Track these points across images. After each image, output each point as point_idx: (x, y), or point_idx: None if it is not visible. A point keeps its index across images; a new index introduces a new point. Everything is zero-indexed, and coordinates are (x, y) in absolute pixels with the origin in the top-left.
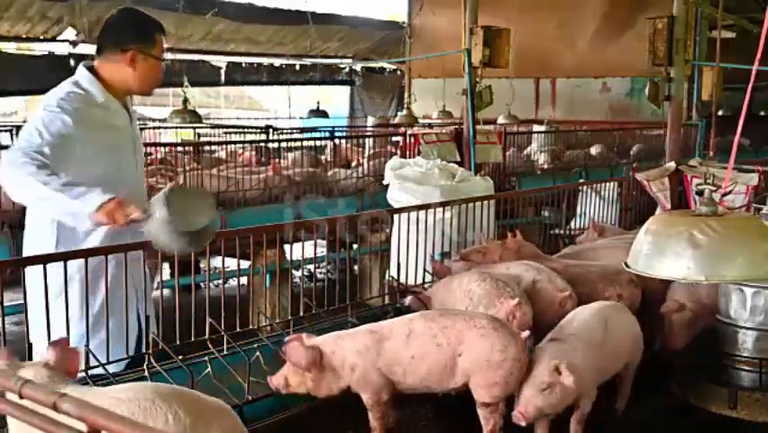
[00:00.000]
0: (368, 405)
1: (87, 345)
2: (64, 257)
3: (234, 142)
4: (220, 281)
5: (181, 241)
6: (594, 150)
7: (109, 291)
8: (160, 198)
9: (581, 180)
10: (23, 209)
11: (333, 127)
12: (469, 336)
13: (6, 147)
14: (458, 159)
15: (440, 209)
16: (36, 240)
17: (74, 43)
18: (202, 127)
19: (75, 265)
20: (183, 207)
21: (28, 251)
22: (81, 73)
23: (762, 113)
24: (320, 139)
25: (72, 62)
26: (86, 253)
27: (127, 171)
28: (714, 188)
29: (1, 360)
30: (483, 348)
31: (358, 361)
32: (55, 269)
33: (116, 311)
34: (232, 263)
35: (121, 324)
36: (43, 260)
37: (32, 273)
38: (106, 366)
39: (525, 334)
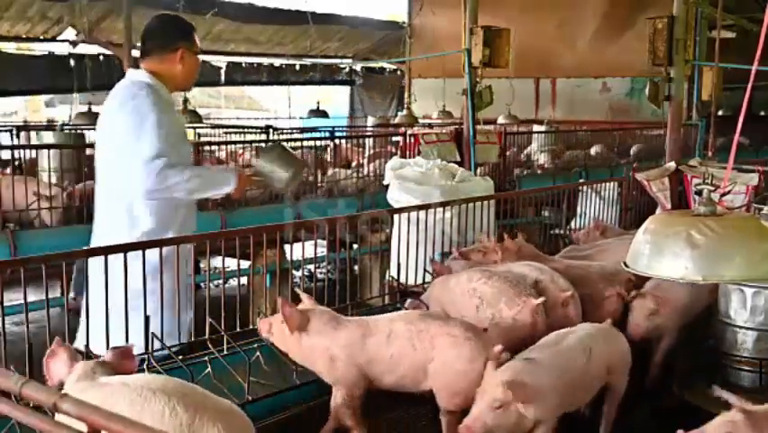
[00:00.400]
0: (340, 401)
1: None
2: (65, 257)
3: (234, 143)
4: (220, 281)
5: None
6: (593, 150)
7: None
8: (274, 163)
9: (581, 180)
10: (23, 209)
11: (334, 127)
12: (440, 343)
13: (6, 147)
14: (458, 159)
15: (440, 209)
16: (129, 228)
17: (74, 43)
18: (202, 127)
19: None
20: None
21: (109, 239)
22: (142, 74)
23: (762, 113)
24: (320, 139)
25: (72, 62)
26: (86, 254)
27: (187, 158)
28: (713, 189)
29: (63, 353)
30: (451, 356)
31: (341, 354)
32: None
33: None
34: (232, 263)
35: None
36: (44, 260)
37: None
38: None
39: (499, 348)
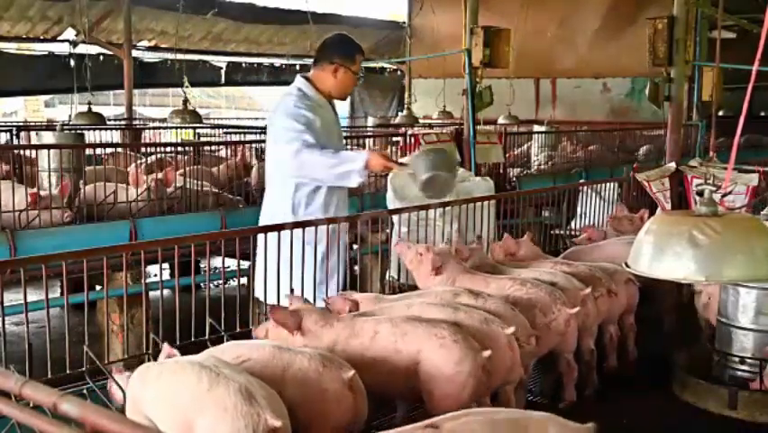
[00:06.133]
0: None
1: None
2: (65, 257)
3: (235, 143)
4: (220, 281)
5: (427, 193)
6: (591, 148)
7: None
8: (422, 161)
9: (581, 180)
10: (22, 210)
11: None
12: (427, 345)
13: (6, 147)
14: (458, 159)
15: (440, 209)
16: (277, 210)
17: (74, 43)
18: (202, 127)
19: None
20: (436, 168)
21: (267, 219)
22: (300, 81)
23: (762, 113)
24: None
25: (72, 62)
26: (86, 254)
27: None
28: (714, 189)
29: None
30: (439, 359)
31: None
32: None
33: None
34: (232, 263)
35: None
36: (44, 260)
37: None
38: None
39: (488, 352)
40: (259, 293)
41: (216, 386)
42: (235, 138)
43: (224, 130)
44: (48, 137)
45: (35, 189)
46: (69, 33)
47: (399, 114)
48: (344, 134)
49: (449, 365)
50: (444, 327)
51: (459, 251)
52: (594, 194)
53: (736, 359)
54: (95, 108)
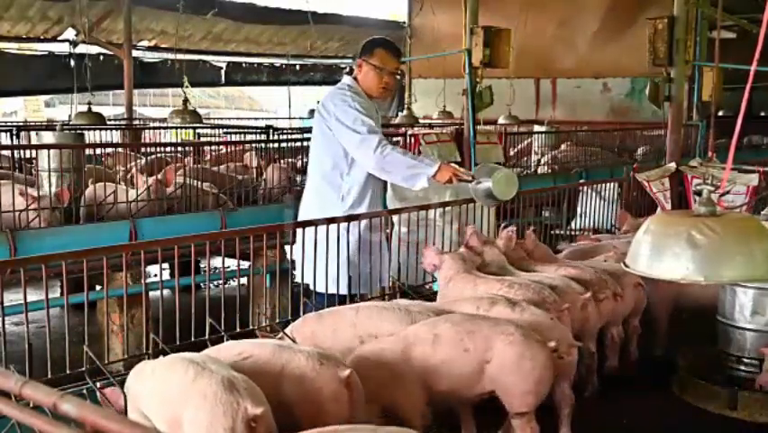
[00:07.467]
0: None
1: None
2: (65, 257)
3: (235, 143)
4: (220, 281)
5: (491, 202)
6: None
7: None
8: (486, 171)
9: (581, 180)
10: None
11: None
12: (497, 343)
13: (6, 147)
14: (458, 159)
15: (440, 209)
16: (326, 198)
17: (74, 43)
18: (202, 127)
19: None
20: (501, 181)
21: (315, 208)
22: (348, 79)
23: (762, 113)
24: None
25: (72, 62)
26: (86, 253)
27: None
28: (712, 189)
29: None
30: (512, 356)
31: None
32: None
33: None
34: (232, 263)
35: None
36: (44, 260)
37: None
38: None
39: (553, 344)
40: (308, 280)
41: (200, 378)
42: (235, 138)
43: (224, 130)
44: (48, 137)
45: (27, 190)
46: (69, 33)
47: (399, 114)
48: None
49: (524, 363)
50: (510, 325)
51: (472, 245)
52: (594, 194)
53: (734, 358)
54: (95, 108)
